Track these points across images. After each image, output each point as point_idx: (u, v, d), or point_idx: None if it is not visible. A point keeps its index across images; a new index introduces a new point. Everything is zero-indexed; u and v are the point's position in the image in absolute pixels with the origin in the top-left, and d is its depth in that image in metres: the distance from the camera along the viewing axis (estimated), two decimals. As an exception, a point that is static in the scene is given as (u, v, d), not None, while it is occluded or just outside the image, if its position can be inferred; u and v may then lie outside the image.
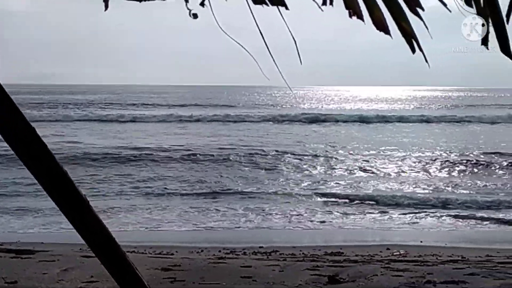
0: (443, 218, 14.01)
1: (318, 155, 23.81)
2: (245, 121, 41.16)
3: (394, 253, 10.10)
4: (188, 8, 2.74)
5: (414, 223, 13.62)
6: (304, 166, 21.43)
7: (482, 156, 23.27)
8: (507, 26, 2.76)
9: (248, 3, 3.06)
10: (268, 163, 21.72)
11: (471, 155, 23.64)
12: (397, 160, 22.84)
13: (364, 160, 22.61)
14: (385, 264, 7.98)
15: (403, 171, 20.64)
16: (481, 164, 21.62)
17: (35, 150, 2.77)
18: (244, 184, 18.00)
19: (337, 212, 14.62)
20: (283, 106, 66.11)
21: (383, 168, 21.18)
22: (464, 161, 22.18)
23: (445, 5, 2.71)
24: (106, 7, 2.75)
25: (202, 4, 2.75)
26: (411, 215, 14.25)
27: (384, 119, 43.07)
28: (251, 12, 3.04)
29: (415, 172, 20.61)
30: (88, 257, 7.89)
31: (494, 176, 19.88)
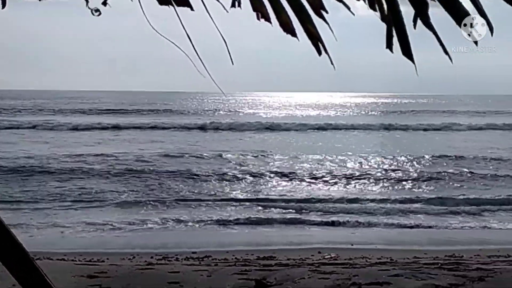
0: (373, 221, 14.31)
1: (246, 159, 23.79)
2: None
3: (325, 256, 10.21)
4: (89, 8, 2.68)
5: (345, 226, 13.86)
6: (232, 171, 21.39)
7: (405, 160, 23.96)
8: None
9: (175, 8, 3.04)
10: (189, 169, 21.37)
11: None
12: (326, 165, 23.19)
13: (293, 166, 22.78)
14: (314, 268, 8.05)
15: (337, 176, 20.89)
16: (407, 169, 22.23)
17: None
18: (179, 191, 17.87)
19: (270, 216, 14.72)
20: (190, 113, 62.07)
21: (318, 173, 21.36)
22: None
23: (348, 8, 2.75)
24: (3, 5, 2.65)
25: (104, 3, 2.70)
26: (341, 218, 14.52)
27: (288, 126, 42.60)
28: (178, 17, 3.01)
29: (356, 177, 20.91)
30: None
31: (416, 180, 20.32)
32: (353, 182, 19.71)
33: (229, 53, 2.86)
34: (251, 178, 19.95)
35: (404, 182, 19.63)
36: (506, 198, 16.68)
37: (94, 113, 54.93)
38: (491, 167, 22.53)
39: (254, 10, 2.88)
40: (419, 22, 2.72)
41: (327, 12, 2.74)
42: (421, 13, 2.68)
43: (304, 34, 2.85)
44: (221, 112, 66.30)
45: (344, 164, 23.48)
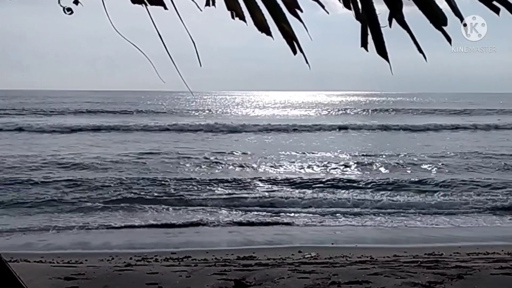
0: (354, 219, 14.36)
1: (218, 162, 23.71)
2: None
3: (306, 256, 10.21)
4: (61, 5, 2.64)
5: (327, 225, 13.88)
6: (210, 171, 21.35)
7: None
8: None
9: (147, 8, 3.00)
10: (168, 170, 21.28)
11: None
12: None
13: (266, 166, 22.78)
14: (294, 267, 8.02)
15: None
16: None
17: None
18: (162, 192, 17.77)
19: (250, 216, 14.70)
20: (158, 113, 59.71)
21: (289, 173, 21.35)
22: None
23: (323, 6, 2.73)
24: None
25: (76, 2, 2.66)
26: (322, 217, 14.55)
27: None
28: (151, 18, 2.98)
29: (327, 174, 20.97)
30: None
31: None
32: (331, 181, 19.67)
33: (197, 54, 2.85)
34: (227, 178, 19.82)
35: (383, 181, 19.69)
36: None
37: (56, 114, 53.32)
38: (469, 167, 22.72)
39: (228, 9, 2.85)
40: (394, 20, 2.71)
41: (301, 11, 2.72)
42: (396, 12, 2.67)
43: (279, 33, 2.83)
44: (184, 111, 64.67)
45: (321, 164, 23.46)
